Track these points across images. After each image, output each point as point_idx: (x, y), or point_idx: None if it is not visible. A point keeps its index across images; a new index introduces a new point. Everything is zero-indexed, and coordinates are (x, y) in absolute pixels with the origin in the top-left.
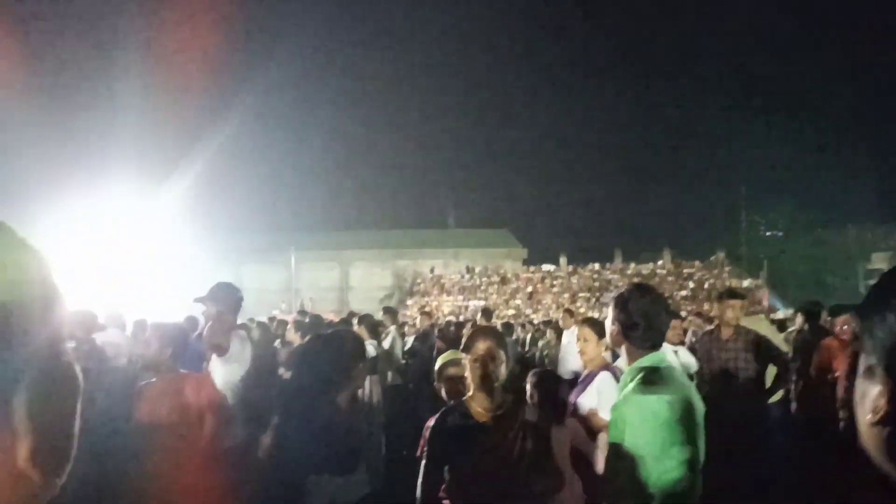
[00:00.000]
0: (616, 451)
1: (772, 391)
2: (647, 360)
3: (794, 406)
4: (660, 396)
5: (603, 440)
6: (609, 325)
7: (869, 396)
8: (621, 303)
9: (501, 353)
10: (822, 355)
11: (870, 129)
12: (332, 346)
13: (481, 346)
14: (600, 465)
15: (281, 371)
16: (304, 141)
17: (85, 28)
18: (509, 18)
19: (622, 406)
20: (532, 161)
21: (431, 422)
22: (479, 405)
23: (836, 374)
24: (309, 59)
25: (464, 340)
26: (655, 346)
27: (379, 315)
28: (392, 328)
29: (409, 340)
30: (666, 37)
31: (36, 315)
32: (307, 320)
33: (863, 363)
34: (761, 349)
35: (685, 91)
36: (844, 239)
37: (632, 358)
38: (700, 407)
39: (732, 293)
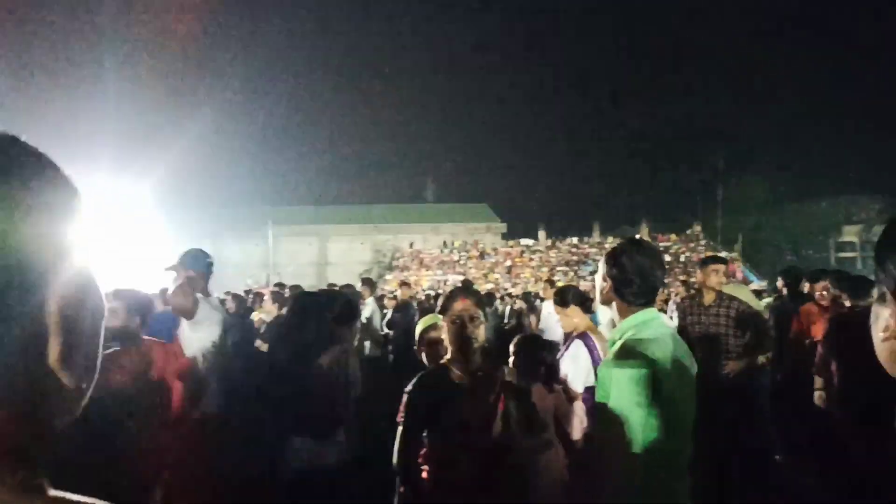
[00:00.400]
0: (603, 410)
1: (750, 356)
2: (640, 316)
3: (771, 370)
4: (649, 354)
5: (579, 408)
6: (600, 282)
7: (881, 318)
8: (614, 258)
9: (480, 314)
10: (801, 320)
11: (839, 104)
12: (313, 310)
13: (458, 306)
14: (577, 432)
15: (258, 343)
16: (283, 116)
17: (55, 4)
18: None
19: (610, 365)
20: (510, 135)
21: (409, 387)
22: (457, 367)
23: (815, 338)
24: (288, 35)
25: (440, 301)
26: (648, 302)
27: (359, 287)
28: (370, 299)
29: (389, 313)
30: (639, 12)
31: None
32: (286, 292)
33: (877, 292)
34: (742, 315)
35: (662, 65)
36: (817, 212)
37: (623, 315)
38: (691, 367)
39: (716, 258)
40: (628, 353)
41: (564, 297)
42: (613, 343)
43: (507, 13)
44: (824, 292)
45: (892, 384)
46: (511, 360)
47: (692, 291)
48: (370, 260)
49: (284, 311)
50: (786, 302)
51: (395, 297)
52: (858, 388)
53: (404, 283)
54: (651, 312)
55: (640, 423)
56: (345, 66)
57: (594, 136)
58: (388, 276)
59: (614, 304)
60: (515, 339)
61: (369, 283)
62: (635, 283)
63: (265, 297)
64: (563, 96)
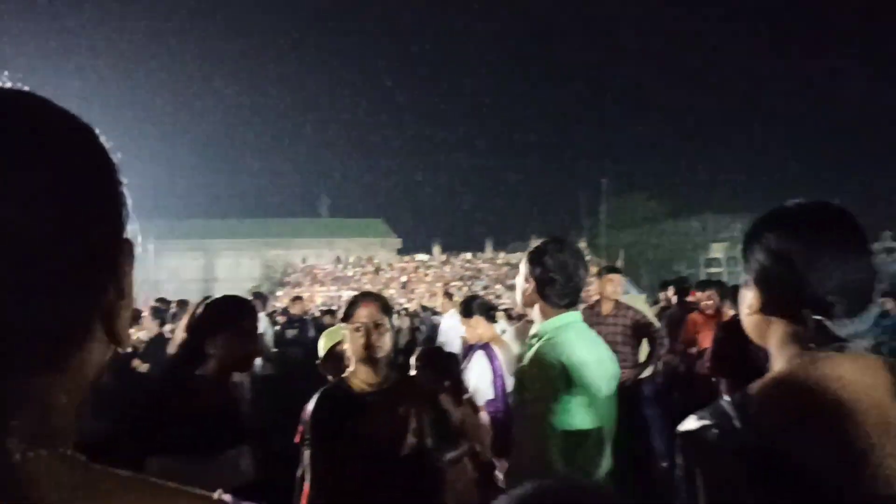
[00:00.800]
0: (521, 413)
1: (645, 365)
2: (563, 318)
3: (660, 379)
4: (565, 356)
5: (485, 420)
6: (521, 283)
7: (746, 298)
8: (538, 257)
9: (386, 320)
10: (688, 328)
11: (709, 131)
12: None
13: (363, 312)
14: (485, 446)
15: (135, 363)
16: (167, 123)
17: None
18: (374, 4)
19: (528, 367)
20: (406, 152)
21: (310, 405)
22: (361, 379)
23: (702, 346)
24: (174, 37)
25: (343, 308)
26: (572, 304)
27: None
28: (262, 314)
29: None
30: (530, 34)
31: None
32: (172, 308)
33: (742, 279)
34: (639, 325)
35: (553, 85)
36: (688, 230)
37: (546, 316)
38: (614, 370)
39: (611, 268)
40: (545, 357)
41: (469, 307)
42: (531, 346)
43: (397, 29)
44: (709, 301)
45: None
46: (414, 373)
47: (591, 301)
48: (260, 276)
49: (166, 328)
50: (675, 311)
51: (284, 313)
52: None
53: (297, 298)
54: (573, 315)
55: (559, 425)
56: (234, 72)
57: (486, 155)
58: (279, 293)
59: (537, 306)
60: (418, 352)
61: (260, 297)
62: (559, 282)
63: (144, 315)
64: (457, 115)
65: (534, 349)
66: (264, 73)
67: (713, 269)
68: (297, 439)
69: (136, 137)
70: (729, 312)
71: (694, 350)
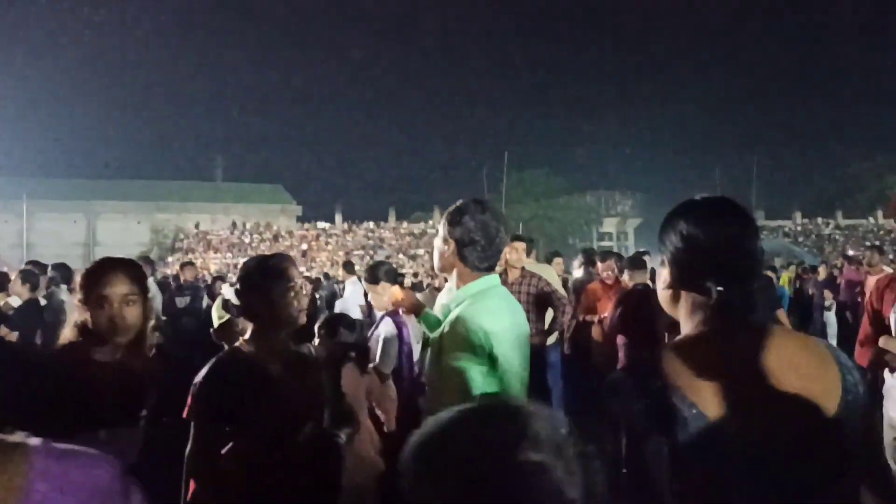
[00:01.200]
0: (437, 382)
1: (549, 332)
2: (482, 282)
3: (566, 346)
4: (487, 325)
5: (391, 390)
6: (440, 245)
7: (661, 275)
8: (458, 217)
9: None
10: (587, 297)
11: (605, 111)
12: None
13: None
14: (391, 415)
15: (3, 331)
16: (48, 75)
17: None
18: None
19: (448, 334)
20: (307, 117)
21: (200, 376)
22: (259, 348)
23: (601, 314)
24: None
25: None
26: (491, 267)
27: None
28: (150, 280)
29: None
30: (434, 5)
31: None
32: (48, 272)
33: (659, 259)
34: (542, 293)
35: (457, 57)
36: (583, 205)
37: (464, 280)
38: (526, 334)
39: (516, 237)
40: (466, 323)
41: (375, 273)
42: (449, 312)
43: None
44: (608, 272)
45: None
46: (316, 341)
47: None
48: (149, 241)
49: (39, 294)
50: (583, 280)
51: (175, 280)
52: (643, 351)
53: (188, 264)
54: (493, 279)
55: (475, 391)
56: (125, 21)
57: (389, 124)
58: (169, 259)
59: (455, 270)
60: (321, 320)
61: (147, 261)
62: (480, 244)
63: (13, 279)
64: (361, 82)
65: (454, 315)
66: (158, 24)
67: (605, 243)
68: (185, 413)
69: (8, 84)
70: (627, 282)
71: (594, 317)
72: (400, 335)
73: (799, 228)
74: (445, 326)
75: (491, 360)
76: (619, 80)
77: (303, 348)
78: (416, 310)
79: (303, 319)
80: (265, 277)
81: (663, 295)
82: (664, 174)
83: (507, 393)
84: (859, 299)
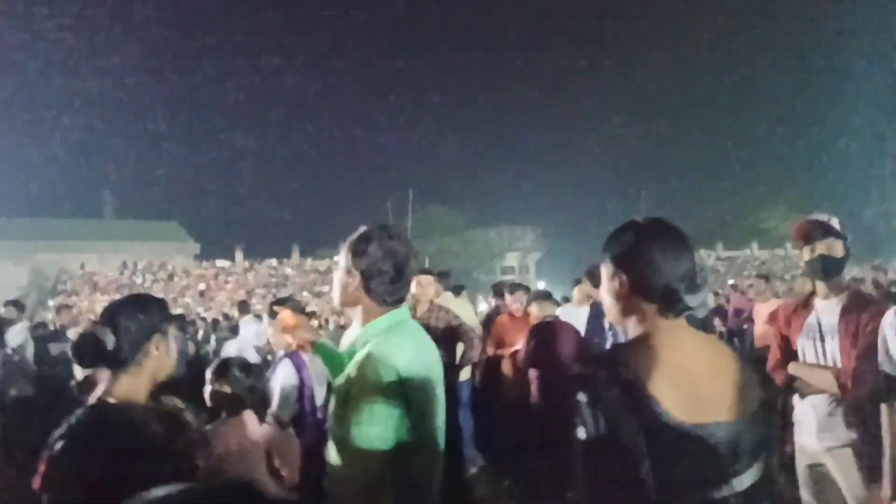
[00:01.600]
0: (344, 431)
1: (459, 367)
2: (392, 316)
3: (477, 379)
4: (401, 365)
5: (293, 439)
6: (342, 278)
7: (612, 286)
8: (362, 246)
9: (173, 327)
10: (496, 331)
11: (507, 147)
12: None
13: (164, 313)
14: (293, 467)
15: None
16: None
17: None
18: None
19: (355, 377)
20: (205, 151)
21: (56, 438)
22: (126, 403)
23: (510, 347)
24: None
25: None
26: (401, 299)
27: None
28: (20, 325)
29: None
30: (341, 36)
31: None
32: None
33: (606, 270)
34: (451, 327)
35: (361, 92)
36: (486, 239)
37: (371, 316)
38: (440, 373)
39: (423, 270)
40: (375, 364)
41: (289, 308)
42: (354, 352)
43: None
44: (516, 305)
45: (578, 379)
46: (208, 389)
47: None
48: (27, 284)
49: None
50: (492, 313)
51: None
52: (556, 384)
53: (64, 307)
54: (403, 313)
55: (392, 437)
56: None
57: (293, 158)
58: (50, 303)
59: (360, 305)
60: (213, 366)
61: (17, 304)
62: (388, 275)
63: None
64: (260, 117)
65: (361, 355)
66: (32, 50)
67: (508, 277)
68: (36, 485)
69: None
70: (535, 314)
71: (504, 351)
72: (300, 377)
73: None
74: (352, 369)
75: (405, 405)
76: (516, 118)
77: (172, 401)
78: (308, 339)
79: (173, 368)
80: (131, 319)
81: (616, 303)
82: (561, 209)
83: (422, 442)
84: (745, 326)
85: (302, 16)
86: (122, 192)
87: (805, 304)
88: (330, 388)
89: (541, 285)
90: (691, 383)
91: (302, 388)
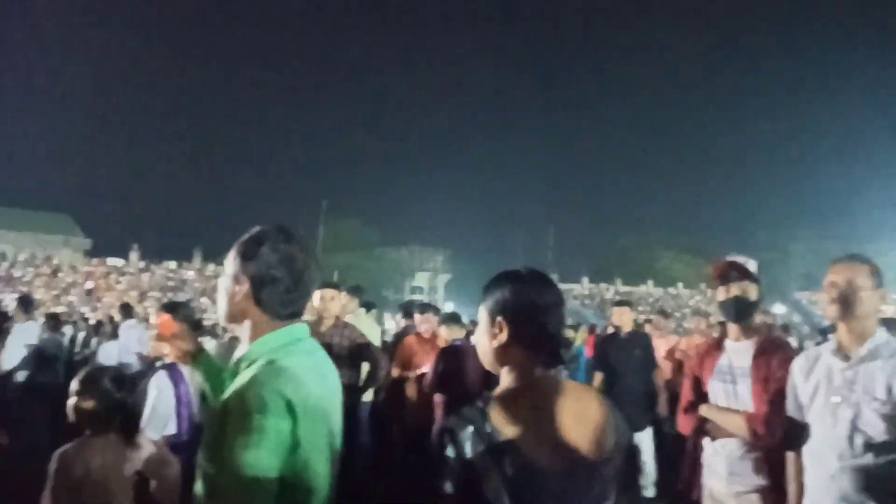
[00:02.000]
0: (214, 462)
1: (364, 389)
2: (285, 333)
3: (380, 399)
4: (290, 393)
5: (174, 463)
6: (228, 286)
7: (489, 331)
8: (253, 248)
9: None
10: (403, 351)
11: (424, 162)
12: None
13: None
14: (174, 498)
15: None
16: None
17: None
18: None
19: (234, 402)
20: (106, 143)
21: None
22: None
23: (417, 368)
24: None
25: None
26: (297, 313)
27: None
28: None
29: None
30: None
31: None
32: None
33: (485, 318)
34: (357, 345)
35: (278, 98)
36: (396, 258)
37: (260, 332)
38: (338, 407)
39: (326, 284)
40: (259, 390)
41: (173, 312)
42: (236, 373)
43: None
44: (424, 326)
45: (447, 432)
46: (71, 402)
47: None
48: None
49: None
50: (401, 333)
51: None
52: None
53: None
54: (300, 330)
55: (275, 474)
56: None
57: (204, 161)
58: None
59: (248, 318)
60: (80, 375)
61: None
62: (283, 283)
63: None
64: (169, 106)
65: (244, 379)
66: None
67: (417, 296)
68: None
69: None
70: (445, 336)
71: (409, 373)
72: (178, 392)
73: (586, 292)
74: (230, 394)
75: (292, 441)
76: (434, 139)
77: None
78: (186, 350)
79: None
80: None
81: (494, 349)
82: (471, 233)
83: (308, 486)
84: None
85: (222, 15)
86: (6, 177)
87: (717, 345)
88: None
89: (449, 307)
90: (556, 432)
91: (179, 406)
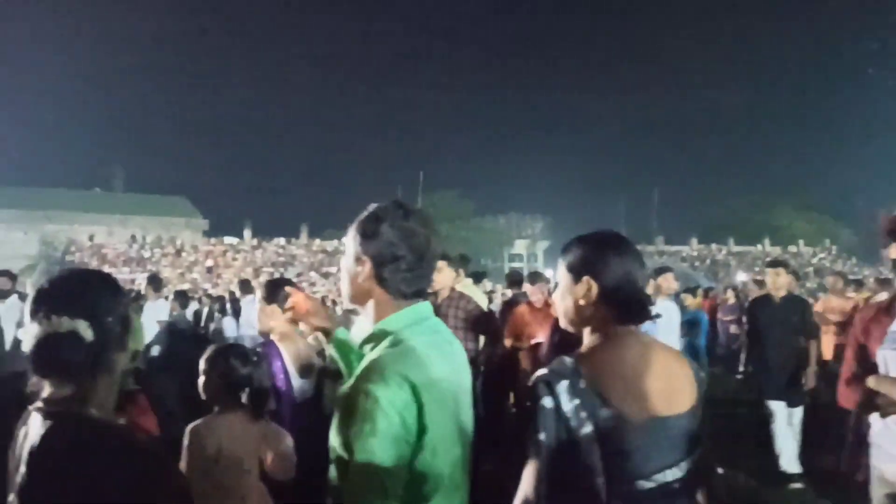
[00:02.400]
0: (341, 454)
1: (482, 361)
2: (410, 313)
3: (492, 371)
4: (426, 369)
5: (288, 442)
6: (350, 266)
7: (580, 292)
8: (373, 226)
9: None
10: (514, 322)
11: (521, 130)
12: None
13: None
14: (290, 471)
15: None
16: None
17: None
18: None
19: (359, 386)
20: (219, 127)
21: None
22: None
23: (531, 338)
24: None
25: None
26: (421, 291)
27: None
28: (13, 298)
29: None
30: (353, 23)
31: None
32: None
33: (564, 278)
34: (472, 315)
35: (373, 75)
36: (495, 227)
37: (384, 312)
38: (467, 388)
39: (442, 255)
40: (383, 374)
41: (273, 291)
42: (360, 355)
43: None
44: (537, 296)
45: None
46: (201, 379)
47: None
48: (37, 254)
49: None
50: (510, 303)
51: None
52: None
53: None
54: (425, 308)
55: (405, 464)
56: (25, 29)
57: (303, 138)
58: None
59: (371, 299)
60: (207, 353)
61: (8, 274)
62: (406, 261)
63: None
64: (276, 92)
65: (369, 360)
66: (53, 25)
67: (516, 264)
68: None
69: None
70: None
71: (521, 343)
72: (273, 369)
73: (695, 254)
74: (355, 378)
75: (418, 426)
76: (532, 108)
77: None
78: (323, 327)
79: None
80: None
81: (581, 308)
82: (571, 199)
83: (438, 472)
84: None
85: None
86: (133, 165)
87: (888, 309)
88: (321, 383)
89: (549, 274)
90: (643, 385)
91: (275, 384)
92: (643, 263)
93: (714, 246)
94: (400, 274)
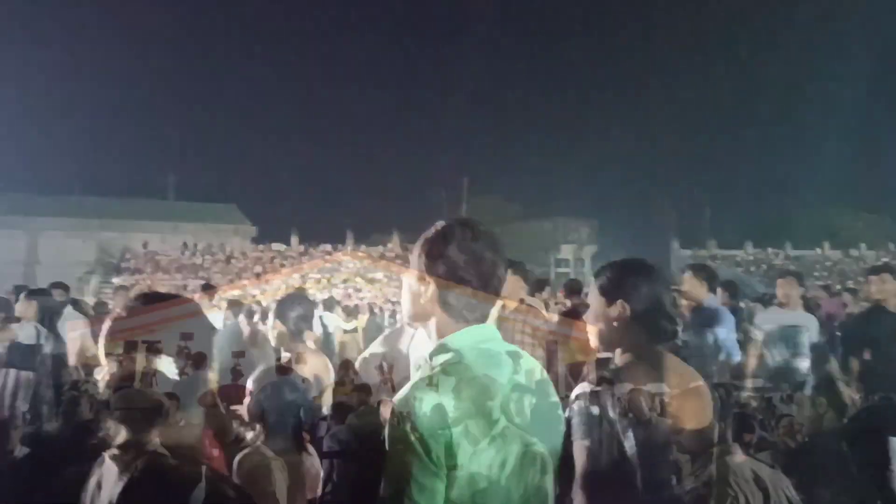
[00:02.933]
0: (388, 471)
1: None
2: (471, 335)
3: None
4: (490, 389)
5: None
6: (413, 286)
7: (612, 312)
8: (440, 246)
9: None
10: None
11: (565, 134)
12: None
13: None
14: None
15: None
16: None
17: None
18: None
19: (409, 401)
20: (265, 136)
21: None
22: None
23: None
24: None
25: None
26: (484, 315)
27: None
28: (69, 307)
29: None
30: (390, 24)
31: None
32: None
33: (599, 299)
34: (545, 330)
35: (415, 80)
36: (540, 231)
37: (445, 332)
38: (547, 399)
39: (511, 262)
40: (422, 398)
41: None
42: (418, 378)
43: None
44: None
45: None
46: (247, 401)
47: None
48: (93, 261)
49: None
50: (567, 311)
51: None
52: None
53: (121, 288)
54: (489, 330)
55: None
56: (77, 39)
57: (347, 145)
58: (114, 280)
59: (433, 319)
60: (254, 374)
61: (61, 285)
62: (471, 285)
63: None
64: (320, 101)
65: (414, 379)
66: (105, 34)
67: (562, 269)
68: None
69: None
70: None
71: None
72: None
73: (751, 258)
74: (405, 394)
75: (449, 454)
76: (579, 111)
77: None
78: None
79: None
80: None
81: (615, 329)
82: (618, 202)
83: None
84: (838, 333)
85: (371, 13)
86: (183, 175)
87: None
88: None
89: None
90: (670, 399)
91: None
92: (670, 287)
93: (770, 250)
94: (464, 299)
